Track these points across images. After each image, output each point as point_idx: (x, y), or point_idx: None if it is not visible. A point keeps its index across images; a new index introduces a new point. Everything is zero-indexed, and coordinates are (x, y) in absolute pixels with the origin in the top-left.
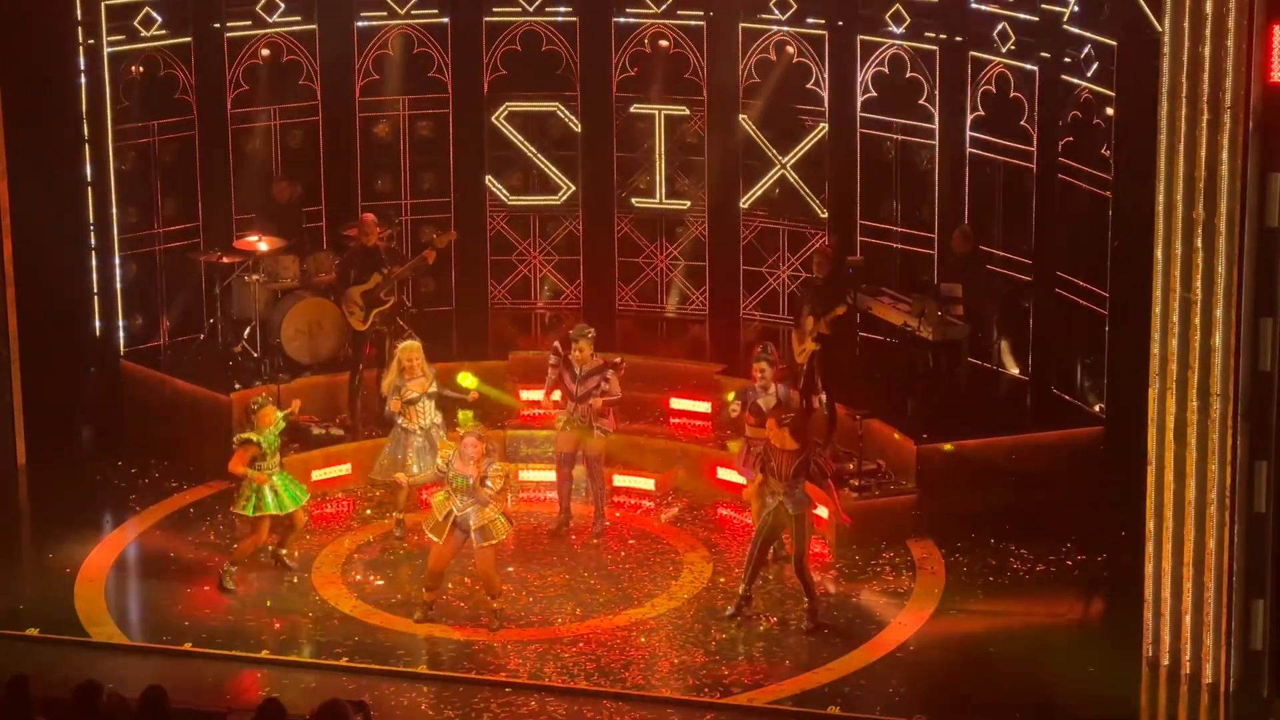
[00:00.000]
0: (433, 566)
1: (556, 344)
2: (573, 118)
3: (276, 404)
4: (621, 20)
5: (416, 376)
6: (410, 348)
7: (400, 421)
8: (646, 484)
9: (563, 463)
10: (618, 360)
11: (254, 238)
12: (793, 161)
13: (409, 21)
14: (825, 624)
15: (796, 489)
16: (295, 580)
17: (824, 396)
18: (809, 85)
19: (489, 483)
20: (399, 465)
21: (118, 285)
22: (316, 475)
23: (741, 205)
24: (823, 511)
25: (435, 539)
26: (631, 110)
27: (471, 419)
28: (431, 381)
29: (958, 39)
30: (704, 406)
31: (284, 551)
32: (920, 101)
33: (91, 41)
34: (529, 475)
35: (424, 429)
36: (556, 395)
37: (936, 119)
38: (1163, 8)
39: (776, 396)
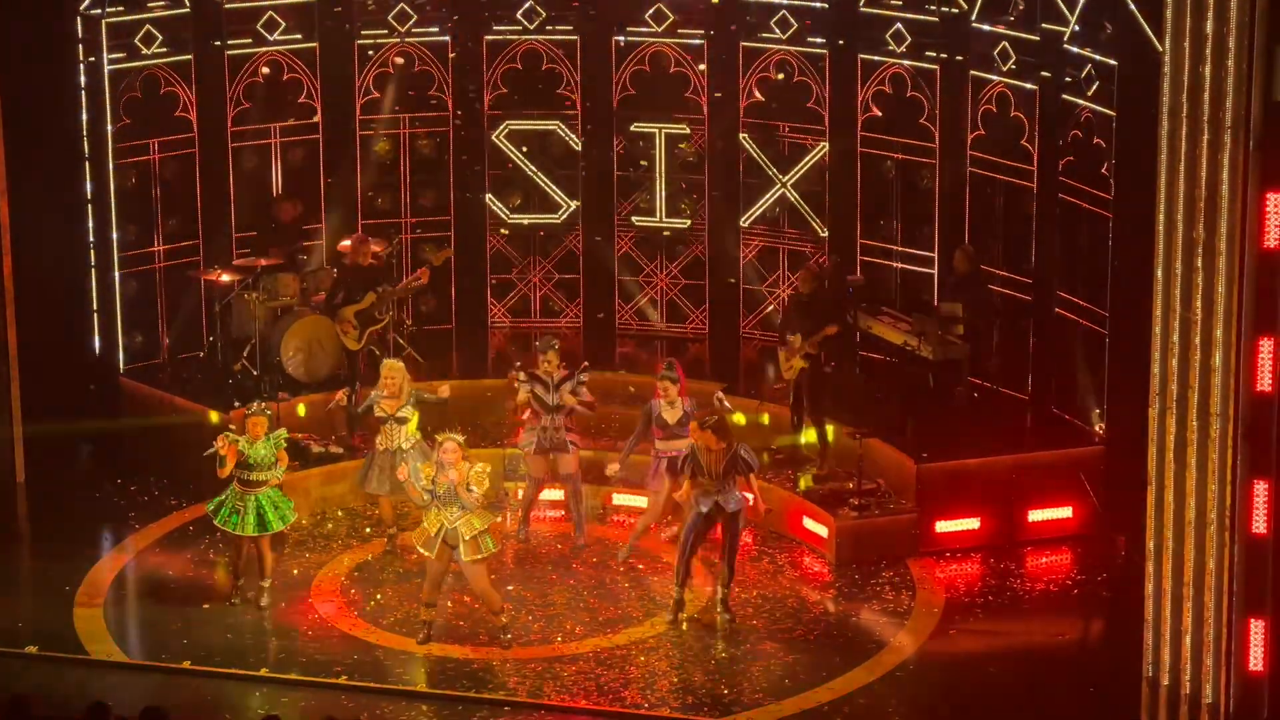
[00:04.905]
0: (429, 582)
1: (518, 364)
2: (573, 136)
3: (275, 423)
4: (622, 39)
5: (390, 395)
6: (389, 365)
7: (376, 438)
8: (645, 503)
9: (533, 486)
10: (584, 365)
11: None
12: (793, 180)
13: (409, 40)
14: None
15: (730, 486)
16: (264, 603)
17: (810, 415)
18: (809, 104)
19: (473, 487)
20: (366, 480)
21: (118, 303)
22: (314, 494)
23: (741, 224)
24: (822, 530)
25: (428, 554)
26: (632, 129)
27: (458, 434)
28: (404, 406)
29: (958, 58)
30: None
31: (264, 584)
32: (921, 121)
33: (92, 59)
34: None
35: (389, 450)
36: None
37: (937, 138)
38: (1164, 27)
39: (684, 409)
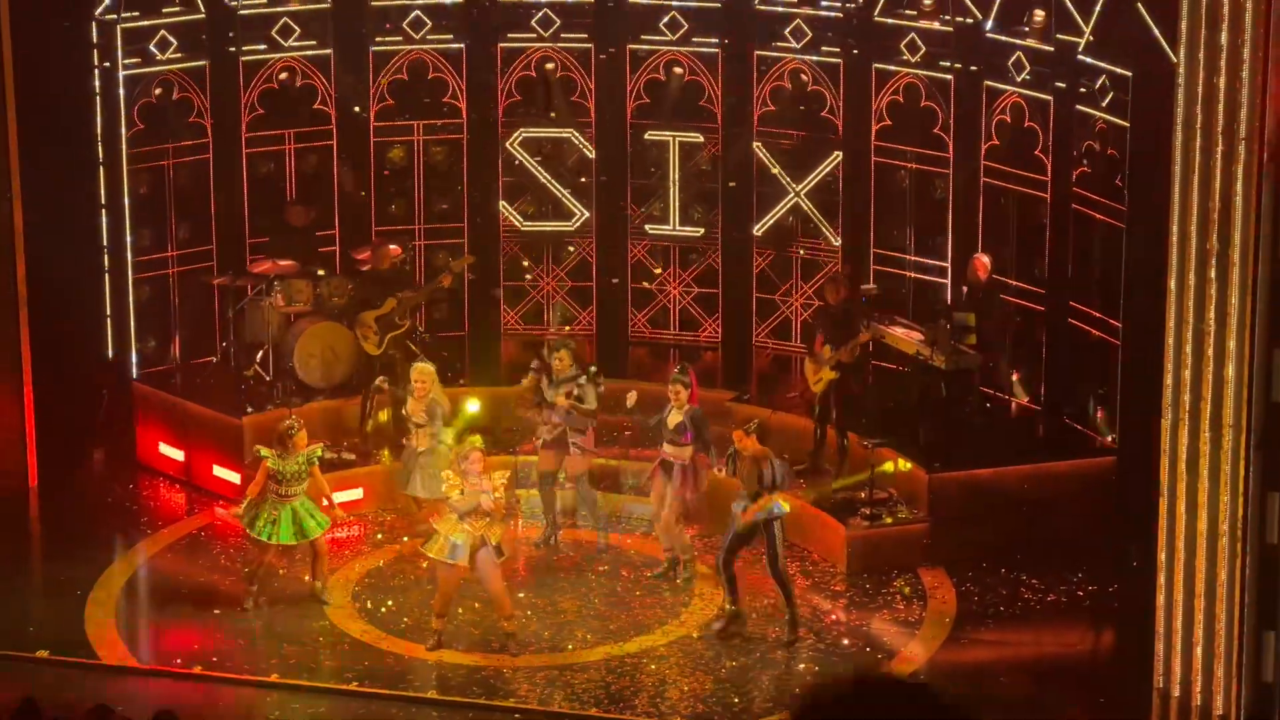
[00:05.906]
0: (444, 593)
1: (542, 353)
2: (587, 144)
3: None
4: (637, 47)
5: (419, 398)
6: (419, 369)
7: (407, 439)
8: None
9: (544, 481)
10: (591, 368)
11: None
12: (807, 189)
13: (423, 47)
14: (805, 635)
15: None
16: (327, 600)
17: (837, 428)
18: (823, 113)
19: (494, 495)
20: (410, 484)
21: (131, 308)
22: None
23: (755, 232)
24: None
25: (457, 563)
26: (646, 137)
27: (480, 441)
28: (422, 413)
29: (973, 68)
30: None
31: (318, 585)
32: (935, 130)
33: (107, 64)
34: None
35: (429, 450)
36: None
37: (951, 148)
38: (1178, 38)
39: (682, 418)
